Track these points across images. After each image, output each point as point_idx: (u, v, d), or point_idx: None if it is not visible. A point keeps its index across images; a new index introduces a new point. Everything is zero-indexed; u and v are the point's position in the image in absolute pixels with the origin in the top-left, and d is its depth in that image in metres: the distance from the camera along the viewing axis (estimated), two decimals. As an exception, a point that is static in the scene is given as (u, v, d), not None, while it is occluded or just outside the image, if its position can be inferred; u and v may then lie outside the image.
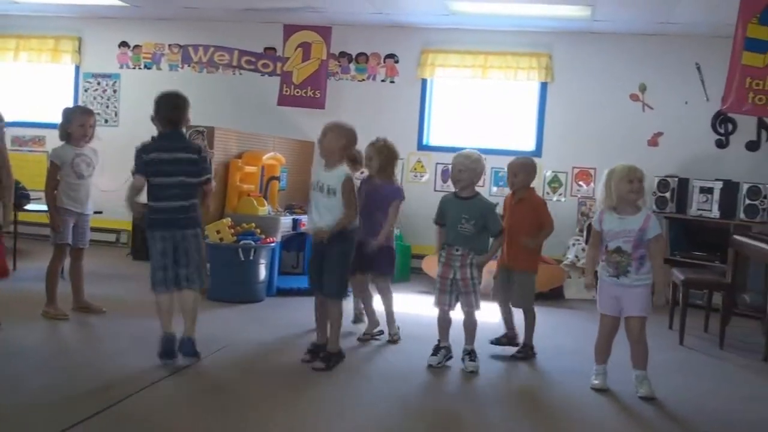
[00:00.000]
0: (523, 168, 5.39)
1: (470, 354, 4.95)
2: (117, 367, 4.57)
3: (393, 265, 5.80)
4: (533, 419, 4.14)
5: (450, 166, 5.08)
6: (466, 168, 4.92)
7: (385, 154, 5.60)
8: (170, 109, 4.76)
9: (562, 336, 6.22)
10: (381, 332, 5.68)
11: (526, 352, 5.37)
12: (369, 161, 5.66)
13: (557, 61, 8.90)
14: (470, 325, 4.97)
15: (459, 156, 4.99)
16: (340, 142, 4.68)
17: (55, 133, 6.03)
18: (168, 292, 4.66)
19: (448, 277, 4.92)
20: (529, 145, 8.99)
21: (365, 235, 5.33)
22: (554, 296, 7.83)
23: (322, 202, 4.69)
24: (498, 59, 8.94)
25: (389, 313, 5.65)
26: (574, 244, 8.25)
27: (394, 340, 5.60)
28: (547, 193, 8.88)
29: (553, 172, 8.93)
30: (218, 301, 6.54)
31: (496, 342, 5.46)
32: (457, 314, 5.03)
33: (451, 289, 4.92)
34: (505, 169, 8.63)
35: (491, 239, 5.00)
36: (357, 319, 6.07)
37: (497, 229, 4.95)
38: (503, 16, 8.33)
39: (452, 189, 5.19)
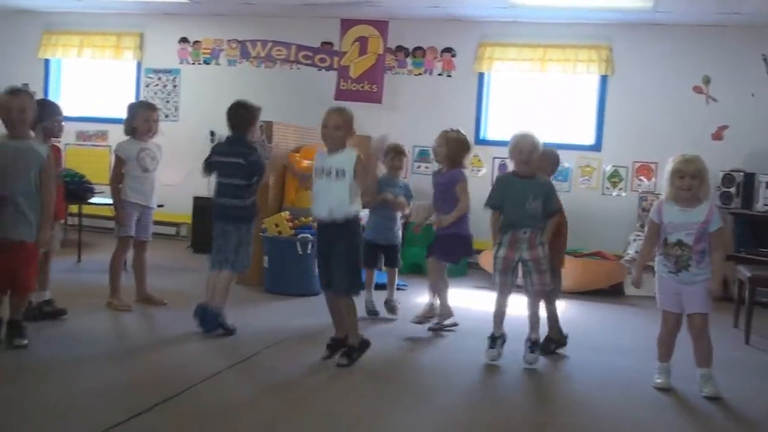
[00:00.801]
0: (542, 154, 4.98)
1: (532, 346, 4.88)
2: (178, 359, 4.66)
3: (464, 251, 5.75)
4: (592, 418, 4.08)
5: (512, 152, 4.94)
6: (534, 148, 4.85)
7: (453, 145, 5.58)
8: (232, 117, 5.27)
9: (622, 333, 6.12)
10: (455, 324, 5.68)
11: (548, 346, 5.16)
12: (438, 148, 5.68)
13: (618, 54, 8.74)
14: (534, 315, 4.91)
15: (525, 137, 4.88)
16: (349, 134, 4.65)
17: (118, 127, 6.17)
18: (215, 271, 5.30)
19: (513, 259, 4.83)
20: (588, 139, 8.86)
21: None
22: (614, 293, 7.70)
23: (333, 188, 4.57)
24: (557, 52, 8.83)
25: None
26: (634, 240, 8.10)
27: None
28: (607, 188, 8.76)
29: (613, 166, 8.78)
30: (276, 294, 6.62)
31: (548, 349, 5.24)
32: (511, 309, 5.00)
33: (513, 271, 4.86)
34: (564, 164, 8.61)
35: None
36: (371, 313, 6.04)
37: (556, 208, 4.92)
38: (562, 8, 8.23)
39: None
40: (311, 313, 6.01)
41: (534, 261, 4.81)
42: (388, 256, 6.13)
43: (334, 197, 4.56)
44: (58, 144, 5.55)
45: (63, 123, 5.46)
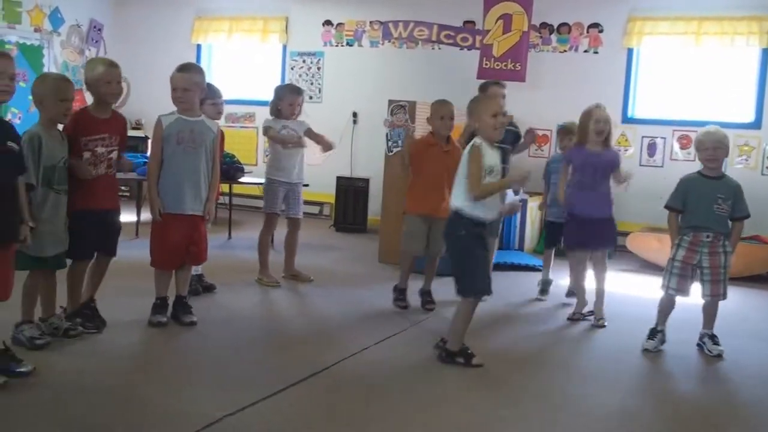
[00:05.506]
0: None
1: (712, 338, 4.70)
2: (328, 333, 4.77)
3: (615, 240, 5.61)
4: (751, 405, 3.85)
5: (696, 149, 4.74)
6: (722, 146, 4.62)
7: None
8: None
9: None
10: (591, 312, 5.39)
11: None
12: (605, 125, 5.30)
13: (782, 25, 8.16)
14: (713, 309, 4.72)
15: (708, 134, 4.65)
16: None
17: (264, 109, 6.32)
18: None
19: (691, 263, 4.63)
20: (747, 116, 8.34)
21: (590, 210, 5.24)
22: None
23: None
24: (713, 24, 8.35)
25: (600, 292, 5.33)
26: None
27: (599, 324, 5.26)
28: (767, 167, 8.22)
29: (774, 145, 8.24)
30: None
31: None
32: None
33: (692, 275, 4.65)
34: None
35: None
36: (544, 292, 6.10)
37: (747, 212, 4.68)
38: (720, -23, 7.76)
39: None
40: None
41: (712, 269, 4.59)
42: None
43: None
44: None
45: (223, 105, 5.45)
